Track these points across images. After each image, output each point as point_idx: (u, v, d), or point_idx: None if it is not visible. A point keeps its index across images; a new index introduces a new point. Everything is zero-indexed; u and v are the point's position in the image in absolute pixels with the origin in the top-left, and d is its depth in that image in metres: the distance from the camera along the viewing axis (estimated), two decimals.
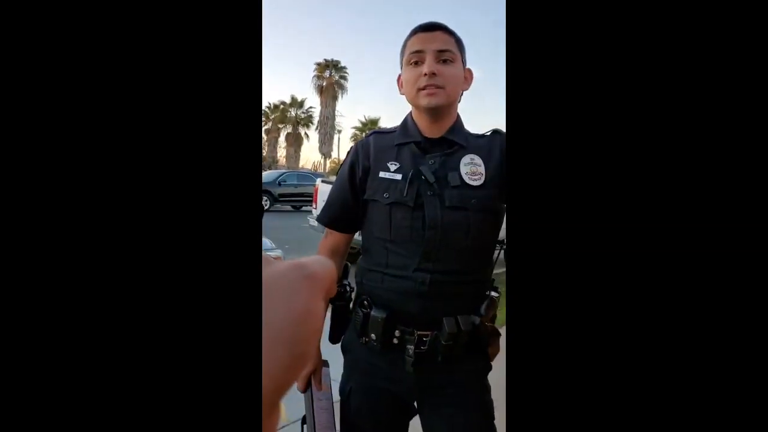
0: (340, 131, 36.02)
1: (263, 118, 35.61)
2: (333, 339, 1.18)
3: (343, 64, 33.87)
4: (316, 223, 6.37)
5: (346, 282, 1.16)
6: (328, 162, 34.97)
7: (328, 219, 1.17)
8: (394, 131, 1.13)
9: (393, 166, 1.07)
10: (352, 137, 36.95)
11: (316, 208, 6.16)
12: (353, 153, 1.15)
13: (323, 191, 6.03)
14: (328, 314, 1.13)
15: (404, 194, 1.02)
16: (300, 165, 34.01)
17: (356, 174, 1.11)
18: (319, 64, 33.62)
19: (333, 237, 1.18)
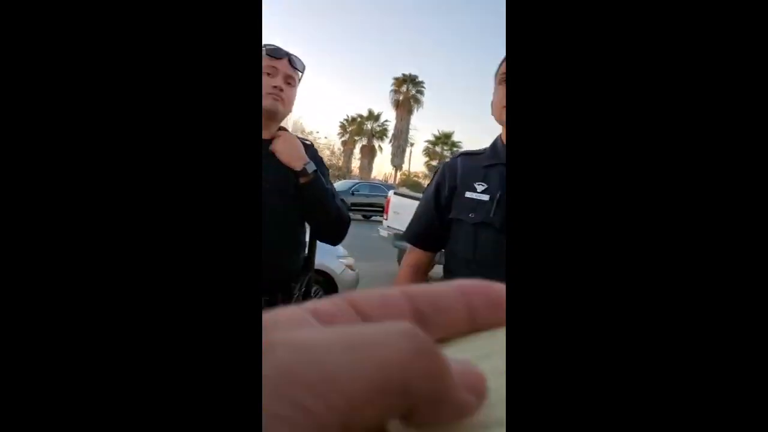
0: (412, 144, 36.38)
1: (341, 130, 36.92)
2: None
3: (420, 79, 34.29)
4: (386, 234, 6.50)
5: None
6: (398, 174, 35.38)
7: (413, 236, 1.20)
8: (483, 152, 1.16)
9: (480, 187, 1.08)
10: (424, 150, 37.11)
11: (387, 219, 6.27)
12: (440, 172, 1.18)
13: (395, 203, 6.15)
14: None
15: (491, 215, 1.03)
16: (372, 176, 34.70)
17: (442, 193, 1.14)
18: (396, 79, 34.31)
19: (416, 254, 1.20)
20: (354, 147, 36.64)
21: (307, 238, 1.30)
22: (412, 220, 1.21)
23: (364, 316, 0.15)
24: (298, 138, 1.22)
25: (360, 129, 36.25)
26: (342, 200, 1.24)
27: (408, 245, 1.24)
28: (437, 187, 1.16)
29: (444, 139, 35.58)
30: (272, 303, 1.13)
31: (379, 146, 36.35)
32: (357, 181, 17.94)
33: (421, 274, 1.20)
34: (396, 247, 6.22)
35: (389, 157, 34.72)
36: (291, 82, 1.18)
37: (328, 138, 35.84)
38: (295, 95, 1.21)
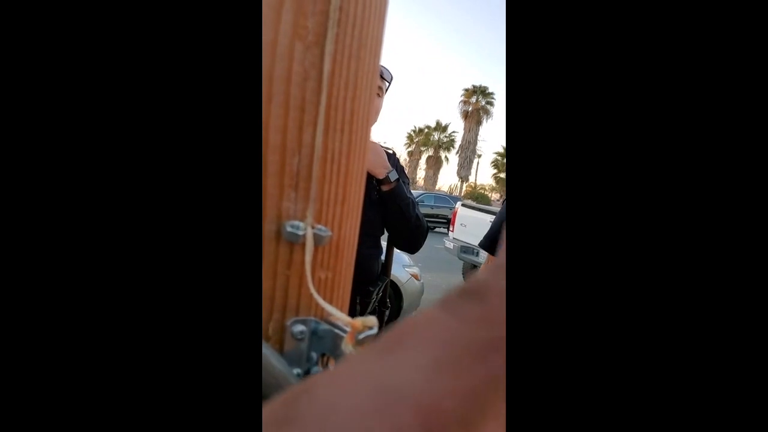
0: (480, 156, 35.75)
1: (407, 141, 37.13)
2: None
3: (490, 90, 33.75)
4: (452, 246, 6.44)
5: None
6: (464, 185, 34.89)
7: (491, 245, 1.23)
8: None
9: None
10: (492, 162, 36.29)
11: (453, 231, 6.21)
12: None
13: (462, 215, 6.07)
14: None
15: None
16: (437, 187, 34.52)
17: None
18: (467, 90, 34.01)
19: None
20: (420, 158, 36.69)
21: (384, 245, 1.34)
22: (491, 229, 1.21)
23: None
24: (381, 147, 1.26)
25: (427, 140, 36.26)
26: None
27: (481, 258, 1.23)
28: None
29: None
30: (351, 305, 1.17)
31: (446, 157, 36.12)
32: (422, 192, 17.94)
33: None
34: (461, 259, 6.13)
35: (455, 168, 34.38)
36: (379, 93, 1.22)
37: (394, 148, 36.19)
38: (381, 105, 1.25)
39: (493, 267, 0.17)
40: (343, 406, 0.12)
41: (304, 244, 0.26)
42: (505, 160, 34.64)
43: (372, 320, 0.23)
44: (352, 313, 1.19)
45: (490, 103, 33.67)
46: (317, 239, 0.27)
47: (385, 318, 1.44)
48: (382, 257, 1.34)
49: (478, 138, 33.97)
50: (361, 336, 0.23)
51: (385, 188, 1.18)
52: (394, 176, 1.18)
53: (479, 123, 33.64)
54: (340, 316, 0.25)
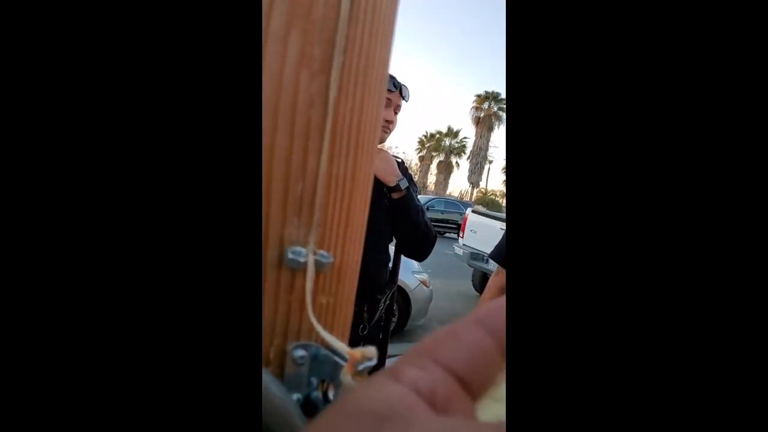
0: (491, 162, 35.64)
1: (419, 146, 37.17)
2: None
3: (502, 96, 33.62)
4: (461, 252, 6.40)
5: None
6: (475, 191, 34.77)
7: (501, 256, 1.18)
8: None
9: None
10: (503, 168, 36.15)
11: (463, 238, 6.17)
12: None
13: (472, 221, 6.04)
14: None
15: None
16: (447, 192, 34.45)
17: None
18: (479, 96, 33.96)
19: (504, 275, 1.18)
20: (431, 162, 36.68)
21: (392, 252, 1.33)
22: (502, 240, 1.19)
23: (469, 389, 0.15)
24: (392, 155, 1.26)
25: (438, 145, 36.25)
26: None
27: (491, 266, 1.21)
28: None
29: None
30: (359, 313, 1.17)
31: (456, 163, 36.06)
32: (432, 196, 17.91)
33: None
34: (471, 266, 6.09)
35: (466, 173, 34.31)
36: (397, 110, 1.24)
37: (405, 153, 36.25)
38: (397, 121, 1.26)
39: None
40: None
41: (305, 270, 0.26)
42: None
43: (371, 351, 0.23)
44: (359, 322, 1.18)
45: (502, 109, 33.55)
46: (318, 266, 0.27)
47: (392, 326, 1.44)
48: (390, 264, 1.34)
49: (490, 144, 33.88)
50: (361, 367, 0.23)
51: (395, 196, 1.18)
52: (404, 184, 1.18)
53: (491, 129, 33.54)
54: (340, 346, 0.25)
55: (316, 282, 0.27)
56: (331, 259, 0.27)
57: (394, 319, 1.31)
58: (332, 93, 0.27)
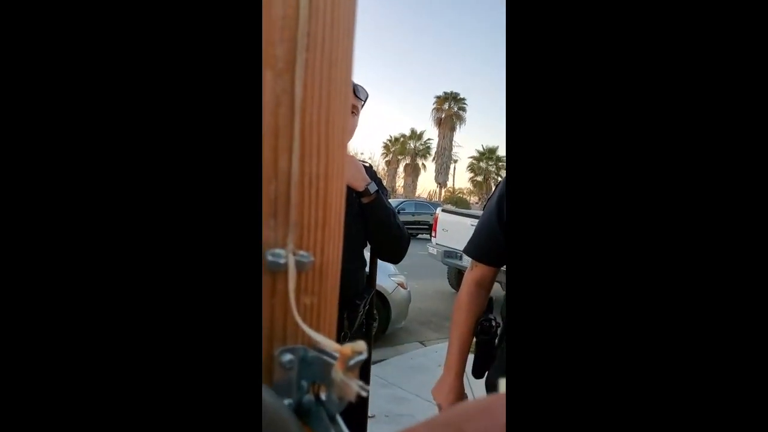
0: (456, 161, 36.15)
1: (384, 151, 37.35)
2: (477, 374, 1.18)
3: (461, 96, 34.26)
4: (435, 251, 6.46)
5: (491, 316, 1.15)
6: (443, 191, 35.20)
7: (475, 251, 1.17)
8: None
9: None
10: (468, 167, 36.80)
11: (435, 237, 6.23)
12: (502, 185, 1.16)
13: (443, 220, 6.11)
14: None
15: None
16: (416, 194, 34.70)
17: (504, 206, 1.11)
18: (438, 97, 34.44)
19: (479, 270, 1.16)
20: (398, 166, 36.88)
21: (368, 257, 1.33)
22: (474, 235, 1.19)
23: None
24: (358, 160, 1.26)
25: (403, 148, 36.49)
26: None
27: (465, 262, 1.21)
28: (499, 200, 1.13)
29: (489, 154, 35.16)
30: (339, 321, 1.16)
31: (423, 164, 36.40)
32: (402, 199, 18.01)
33: (485, 291, 1.16)
34: (446, 264, 6.16)
35: (433, 174, 34.70)
36: (354, 111, 1.22)
37: (372, 158, 36.33)
38: (357, 123, 1.25)
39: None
40: None
41: (286, 272, 0.26)
42: (480, 164, 35.17)
43: (361, 345, 0.23)
44: (340, 329, 1.17)
45: (462, 109, 34.17)
46: (299, 266, 0.26)
47: (373, 331, 1.43)
48: (366, 269, 1.34)
49: (453, 144, 34.40)
50: (352, 362, 0.23)
51: (365, 200, 1.17)
52: (373, 188, 1.18)
53: (453, 129, 34.07)
54: (328, 344, 0.24)
55: (298, 282, 0.26)
56: (312, 259, 0.27)
57: (375, 324, 1.30)
58: (298, 91, 0.27)
